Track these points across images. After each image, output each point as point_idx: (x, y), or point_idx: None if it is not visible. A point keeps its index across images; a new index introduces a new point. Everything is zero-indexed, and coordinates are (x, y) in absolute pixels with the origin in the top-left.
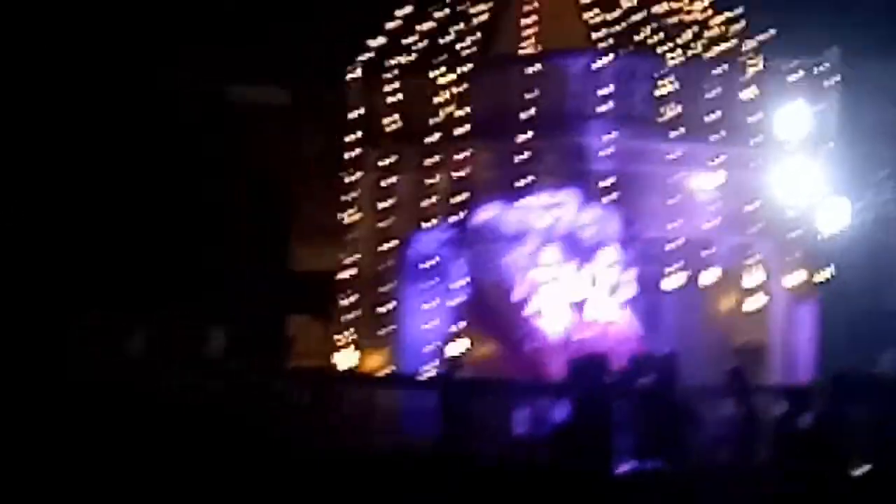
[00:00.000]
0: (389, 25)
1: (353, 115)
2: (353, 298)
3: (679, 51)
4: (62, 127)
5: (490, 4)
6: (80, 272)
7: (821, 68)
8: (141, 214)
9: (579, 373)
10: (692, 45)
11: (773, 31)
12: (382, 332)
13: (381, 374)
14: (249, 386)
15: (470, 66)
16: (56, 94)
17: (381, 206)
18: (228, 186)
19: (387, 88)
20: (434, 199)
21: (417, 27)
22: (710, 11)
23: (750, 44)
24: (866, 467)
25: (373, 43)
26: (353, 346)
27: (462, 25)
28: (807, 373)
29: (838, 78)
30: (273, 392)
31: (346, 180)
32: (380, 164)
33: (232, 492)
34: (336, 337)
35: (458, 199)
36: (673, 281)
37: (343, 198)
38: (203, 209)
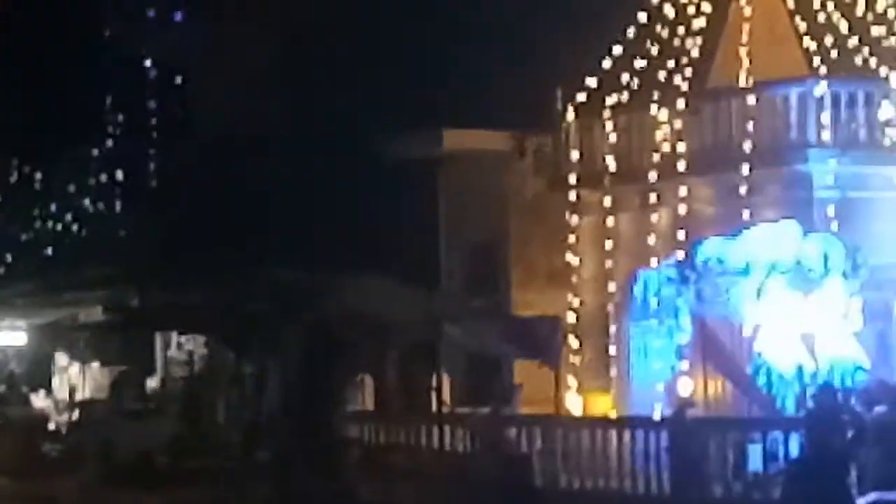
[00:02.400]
0: (604, 65)
1: (571, 156)
2: (579, 341)
3: None
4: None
5: (701, 38)
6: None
7: None
8: (362, 264)
9: (813, 405)
10: None
11: None
12: (610, 373)
13: (610, 416)
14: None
15: (685, 101)
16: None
17: (603, 246)
18: (447, 233)
19: (604, 128)
20: (656, 236)
21: (633, 64)
22: None
23: None
24: None
25: (588, 83)
26: (580, 389)
27: (674, 62)
28: None
29: None
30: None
31: (568, 222)
32: (600, 203)
33: None
34: (564, 381)
35: (681, 235)
36: None
37: (565, 240)
38: (419, 258)
